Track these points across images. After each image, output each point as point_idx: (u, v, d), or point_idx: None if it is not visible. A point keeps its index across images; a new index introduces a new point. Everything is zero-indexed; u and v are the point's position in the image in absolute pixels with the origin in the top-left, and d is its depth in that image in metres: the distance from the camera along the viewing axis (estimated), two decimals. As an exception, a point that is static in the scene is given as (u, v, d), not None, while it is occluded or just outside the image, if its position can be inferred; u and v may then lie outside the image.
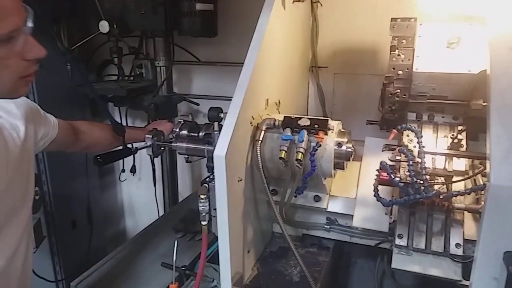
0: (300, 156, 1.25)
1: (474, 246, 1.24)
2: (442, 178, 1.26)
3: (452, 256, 1.19)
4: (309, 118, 1.31)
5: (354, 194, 1.54)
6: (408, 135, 1.35)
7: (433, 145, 1.38)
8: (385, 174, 1.26)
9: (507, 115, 0.95)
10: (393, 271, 1.79)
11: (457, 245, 1.19)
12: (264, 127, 1.33)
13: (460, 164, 1.30)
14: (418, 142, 1.24)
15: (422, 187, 1.17)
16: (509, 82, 0.99)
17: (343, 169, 1.37)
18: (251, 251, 1.45)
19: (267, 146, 1.35)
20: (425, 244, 1.22)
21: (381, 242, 1.50)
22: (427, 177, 1.19)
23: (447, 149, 1.32)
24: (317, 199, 1.52)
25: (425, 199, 1.15)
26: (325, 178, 1.42)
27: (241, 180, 1.27)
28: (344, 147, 1.33)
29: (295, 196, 1.45)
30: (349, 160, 1.35)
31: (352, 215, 1.49)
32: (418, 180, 1.18)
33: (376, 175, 1.32)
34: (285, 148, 1.28)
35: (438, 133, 1.39)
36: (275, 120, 1.34)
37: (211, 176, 1.29)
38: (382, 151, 1.33)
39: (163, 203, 2.47)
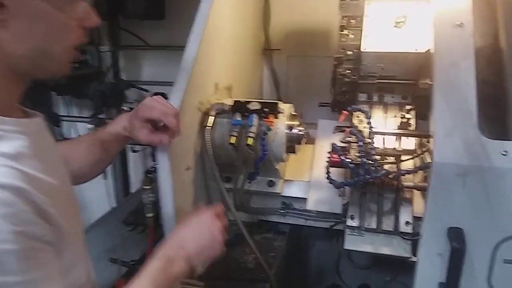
0: (250, 141, 1.22)
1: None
2: (392, 158, 1.27)
3: (401, 234, 1.21)
4: (259, 102, 1.27)
5: (308, 178, 1.53)
6: (358, 116, 1.34)
7: (383, 125, 1.38)
8: (336, 156, 1.25)
9: (450, 92, 0.95)
10: (349, 252, 1.83)
11: (407, 223, 1.21)
12: (213, 113, 1.28)
13: (409, 143, 1.31)
14: (368, 123, 1.24)
15: (372, 168, 1.17)
16: (452, 59, 0.99)
17: (295, 152, 1.35)
18: (205, 241, 1.41)
19: (217, 132, 1.30)
20: (376, 223, 1.23)
21: (335, 224, 1.51)
22: (377, 157, 1.19)
23: (397, 129, 1.33)
24: (271, 184, 1.50)
25: (374, 179, 1.15)
26: (278, 163, 1.39)
27: (189, 168, 1.22)
28: (295, 130, 1.30)
29: (249, 182, 1.42)
30: (301, 143, 1.34)
31: (307, 199, 1.48)
32: (368, 161, 1.18)
33: (328, 157, 1.31)
34: (235, 133, 1.23)
35: (387, 113, 1.40)
36: (224, 105, 1.29)
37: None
38: (333, 133, 1.32)
39: (115, 197, 2.37)
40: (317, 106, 1.70)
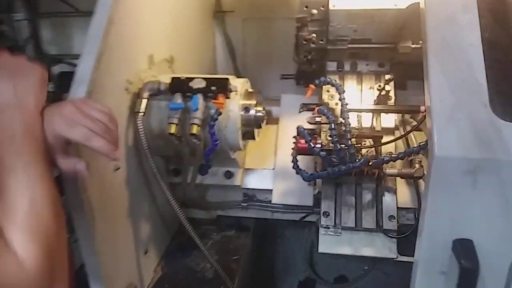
0: (195, 129, 0.96)
1: (409, 214, 1.08)
2: (370, 140, 1.05)
3: (385, 231, 1.01)
4: (205, 78, 1.00)
5: (272, 165, 1.29)
6: (328, 91, 1.11)
7: (358, 99, 1.15)
8: (303, 141, 1.02)
9: (448, 56, 0.72)
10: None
11: (391, 217, 1.01)
12: (145, 94, 1.00)
13: (389, 120, 1.10)
14: (340, 99, 1.00)
15: (348, 154, 0.94)
16: (449, 13, 0.75)
17: (254, 138, 1.10)
18: (150, 251, 1.16)
19: (154, 118, 1.03)
20: (355, 221, 1.02)
21: (306, 215, 1.30)
22: (353, 140, 0.96)
23: (374, 104, 1.10)
24: (229, 175, 1.25)
25: (351, 170, 0.93)
26: (234, 152, 1.14)
27: (118, 168, 0.95)
28: (252, 112, 1.05)
29: (202, 175, 1.17)
30: (261, 126, 1.09)
31: (271, 190, 1.25)
32: (342, 146, 0.95)
33: (294, 142, 1.07)
34: (175, 121, 0.97)
35: (362, 85, 1.17)
36: (160, 83, 1.01)
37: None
38: (300, 111, 1.08)
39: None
40: (278, 77, 1.45)
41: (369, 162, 0.92)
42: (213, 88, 0.97)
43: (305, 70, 1.22)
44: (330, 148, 0.98)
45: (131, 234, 1.04)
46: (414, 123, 1.09)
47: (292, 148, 1.06)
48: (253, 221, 1.40)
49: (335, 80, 1.02)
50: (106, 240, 0.89)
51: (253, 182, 1.27)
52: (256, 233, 1.42)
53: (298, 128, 1.02)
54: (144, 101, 0.99)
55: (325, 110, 0.98)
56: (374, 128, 1.08)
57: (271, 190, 1.25)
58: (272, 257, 1.64)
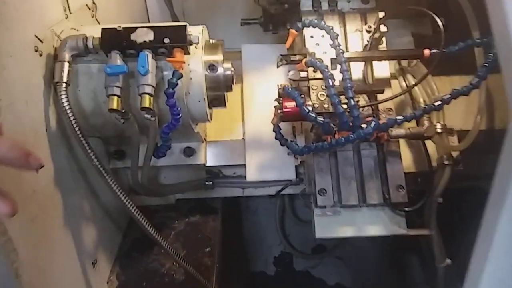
0: (147, 101, 0.68)
1: (412, 181, 0.93)
2: (364, 96, 0.86)
3: (395, 205, 0.84)
4: (152, 27, 0.71)
5: (241, 134, 1.06)
6: (312, 36, 0.87)
7: (343, 45, 0.94)
8: (290, 104, 0.79)
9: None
10: (292, 207, 1.48)
11: (399, 187, 0.84)
12: (66, 55, 0.69)
13: (383, 69, 0.90)
14: (334, 46, 0.78)
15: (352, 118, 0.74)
16: None
17: (224, 105, 0.85)
18: (100, 259, 0.90)
19: (84, 89, 0.73)
20: (358, 196, 0.84)
21: (284, 187, 1.10)
22: (356, 100, 0.75)
23: (366, 50, 0.89)
24: (189, 152, 1.00)
25: (362, 139, 0.73)
26: (198, 125, 0.89)
27: (41, 166, 0.65)
28: (220, 70, 0.79)
29: (158, 158, 0.91)
30: (231, 89, 0.84)
31: (244, 165, 1.03)
32: (343, 107, 0.74)
33: (275, 106, 0.84)
34: (117, 91, 0.68)
35: (346, 27, 0.95)
36: (86, 38, 0.70)
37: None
38: (278, 66, 0.84)
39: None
40: (231, 23, 1.18)
41: (385, 130, 0.72)
42: (166, 40, 0.69)
43: (275, 12, 0.97)
44: (328, 111, 0.76)
45: (72, 247, 0.77)
46: (415, 72, 0.91)
47: (275, 115, 0.83)
48: (220, 200, 1.18)
49: (323, 23, 0.79)
50: (35, 267, 0.62)
51: (220, 157, 1.04)
52: (224, 213, 1.20)
53: (282, 88, 0.78)
54: (66, 65, 0.68)
55: (317, 63, 0.76)
56: (367, 81, 0.88)
57: (244, 165, 1.03)
58: (240, 235, 1.45)
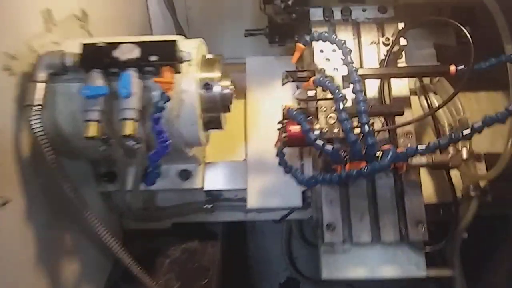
0: (129, 128, 0.59)
1: (433, 212, 0.82)
2: (381, 119, 0.76)
3: (413, 244, 0.74)
4: (138, 43, 0.62)
5: (243, 154, 0.97)
6: (322, 51, 0.78)
7: (357, 59, 0.84)
8: (295, 128, 0.70)
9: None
10: (301, 229, 1.38)
11: (418, 223, 0.74)
12: (42, 74, 0.61)
13: (403, 86, 0.80)
14: (346, 63, 0.68)
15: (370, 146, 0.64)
16: None
17: (221, 127, 0.76)
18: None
19: (62, 111, 0.65)
20: (371, 233, 0.74)
21: (289, 213, 1.01)
22: (370, 124, 0.66)
23: (383, 65, 0.79)
24: (186, 175, 0.91)
25: (378, 171, 0.63)
26: (192, 148, 0.80)
27: (5, 203, 0.57)
28: (217, 89, 0.70)
29: (148, 185, 0.83)
30: (229, 109, 0.75)
31: (245, 189, 0.93)
32: (355, 132, 0.65)
33: (279, 129, 0.75)
34: (95, 116, 0.59)
35: (361, 39, 0.85)
36: (64, 55, 0.62)
37: None
38: (283, 83, 0.75)
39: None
40: (236, 34, 1.09)
41: (403, 160, 0.63)
42: (153, 58, 0.60)
43: (281, 21, 0.88)
44: (338, 136, 0.67)
45: (49, 285, 0.69)
46: (438, 89, 0.81)
47: (278, 139, 0.73)
48: (221, 224, 1.09)
49: (334, 36, 0.70)
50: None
51: (220, 180, 0.95)
52: (225, 238, 1.11)
53: (287, 110, 0.69)
54: (40, 86, 0.60)
55: (327, 82, 0.66)
56: (384, 99, 0.78)
57: (245, 189, 0.93)
58: (243, 259, 1.35)
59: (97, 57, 0.61)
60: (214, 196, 1.01)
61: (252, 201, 0.91)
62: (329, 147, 0.64)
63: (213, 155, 0.97)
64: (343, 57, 0.69)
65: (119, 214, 1.01)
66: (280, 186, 0.91)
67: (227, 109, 0.74)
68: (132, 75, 0.60)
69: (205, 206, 1.01)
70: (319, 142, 0.64)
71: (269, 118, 0.94)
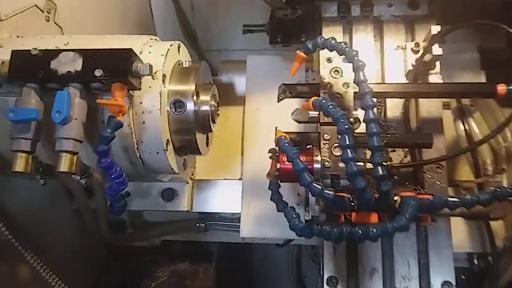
0: (66, 163, 0.46)
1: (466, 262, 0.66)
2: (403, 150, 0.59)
3: (436, 311, 0.58)
4: (83, 50, 0.48)
5: (239, 172, 0.82)
6: (329, 60, 0.61)
7: (377, 69, 0.67)
8: (287, 163, 0.55)
9: None
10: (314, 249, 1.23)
11: (446, 284, 0.57)
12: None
13: (434, 107, 0.62)
14: (356, 81, 0.52)
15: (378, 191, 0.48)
16: None
17: (199, 152, 0.62)
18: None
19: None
20: (383, 292, 0.59)
21: (292, 239, 0.87)
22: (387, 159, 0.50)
23: (410, 79, 0.62)
24: (170, 195, 0.79)
25: (393, 233, 0.47)
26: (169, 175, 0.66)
27: None
28: (190, 106, 0.56)
29: (115, 216, 0.70)
30: (211, 130, 0.60)
31: (239, 214, 0.80)
32: (365, 173, 0.49)
33: (271, 157, 0.60)
34: (25, 146, 0.47)
35: (384, 42, 0.67)
36: (-7, 64, 0.49)
37: None
38: (279, 100, 0.60)
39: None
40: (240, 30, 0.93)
41: (436, 210, 0.47)
42: (98, 73, 0.46)
43: (285, 18, 0.71)
44: (343, 173, 0.51)
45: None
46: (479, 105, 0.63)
47: (271, 167, 0.59)
48: (216, 244, 0.97)
49: (344, 44, 0.53)
50: None
51: (210, 202, 0.82)
52: (220, 260, 0.98)
53: (278, 140, 0.54)
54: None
55: (330, 106, 0.50)
56: (409, 122, 0.61)
57: (239, 214, 0.80)
58: (243, 280, 1.22)
59: (30, 69, 0.47)
60: (208, 215, 0.88)
61: (246, 230, 0.77)
62: (329, 192, 0.49)
63: (205, 171, 0.84)
64: (356, 72, 0.52)
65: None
66: (278, 213, 0.77)
67: (207, 129, 0.59)
68: (71, 93, 0.46)
69: (197, 225, 0.88)
70: (317, 187, 0.48)
71: (269, 130, 0.78)
